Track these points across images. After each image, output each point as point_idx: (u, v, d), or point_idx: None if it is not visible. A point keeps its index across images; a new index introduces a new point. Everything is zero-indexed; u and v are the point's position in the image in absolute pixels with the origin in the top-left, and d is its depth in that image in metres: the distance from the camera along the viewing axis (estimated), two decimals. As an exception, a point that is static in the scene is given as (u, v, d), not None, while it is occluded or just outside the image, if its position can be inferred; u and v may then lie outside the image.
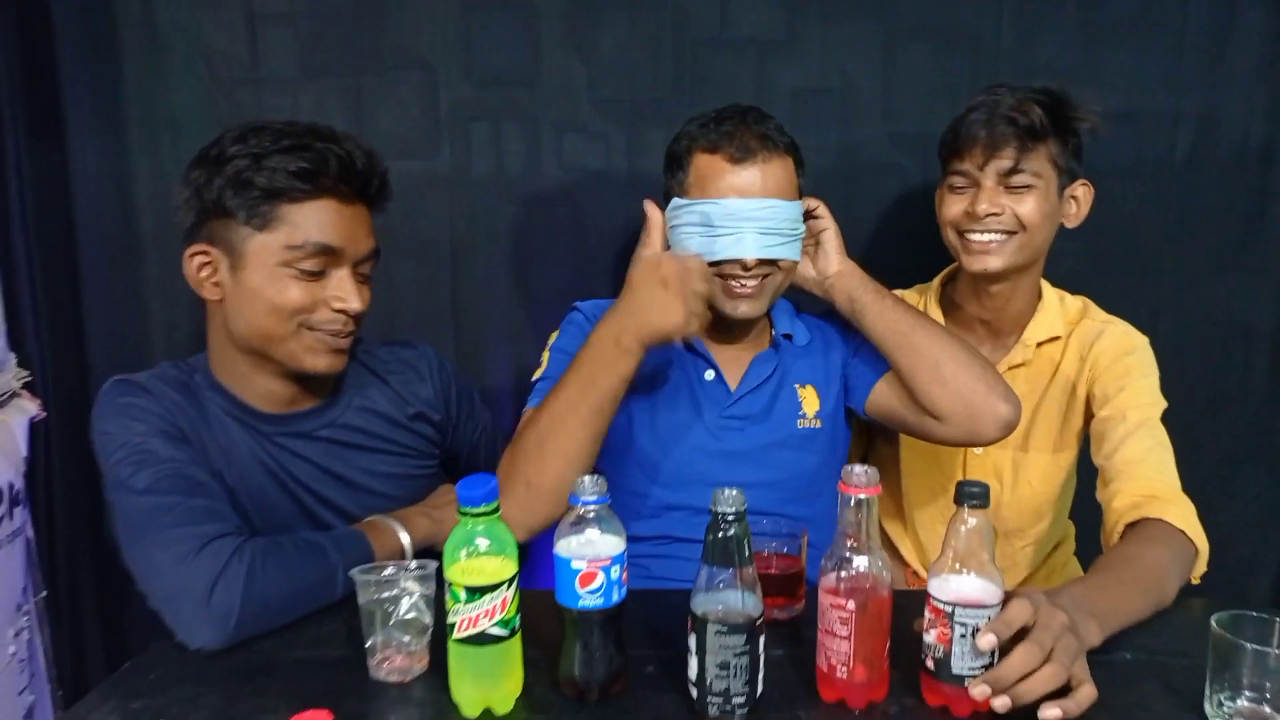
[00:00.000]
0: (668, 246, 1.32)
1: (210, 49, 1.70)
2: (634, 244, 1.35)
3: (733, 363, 1.40)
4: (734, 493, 0.86)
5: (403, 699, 0.94)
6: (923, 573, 1.57)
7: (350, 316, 1.17)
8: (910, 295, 1.56)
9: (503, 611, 0.88)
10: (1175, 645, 1.02)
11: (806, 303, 1.47)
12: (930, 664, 0.90)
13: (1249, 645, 0.85)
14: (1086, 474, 1.42)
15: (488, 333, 1.81)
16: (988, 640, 0.86)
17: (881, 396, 1.36)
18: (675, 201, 1.32)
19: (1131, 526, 1.18)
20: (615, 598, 0.90)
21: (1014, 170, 1.33)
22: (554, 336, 1.40)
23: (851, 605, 0.88)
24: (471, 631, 0.87)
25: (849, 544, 0.89)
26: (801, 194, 1.34)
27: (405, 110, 1.73)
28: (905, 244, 1.48)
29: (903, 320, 1.29)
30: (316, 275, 1.14)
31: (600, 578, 0.88)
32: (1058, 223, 1.41)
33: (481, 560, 0.87)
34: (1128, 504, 1.21)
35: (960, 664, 0.88)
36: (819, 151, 1.59)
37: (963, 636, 0.87)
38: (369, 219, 1.20)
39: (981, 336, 1.49)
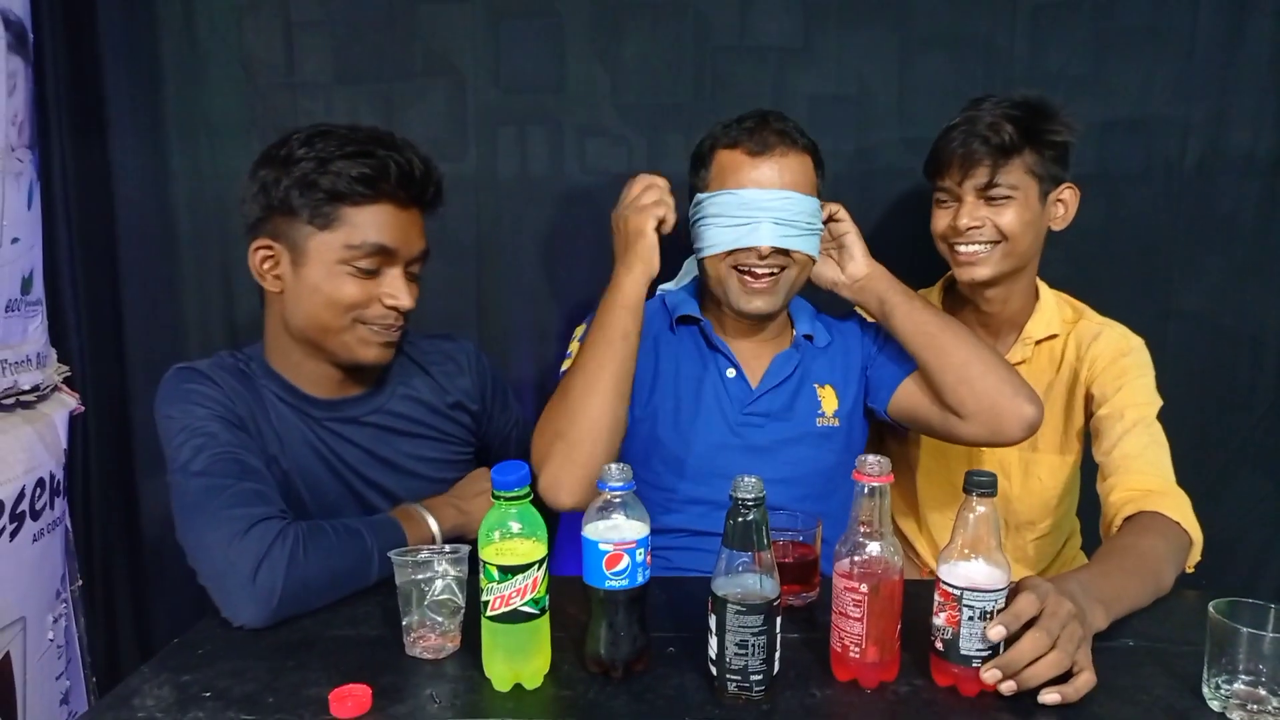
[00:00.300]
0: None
1: (248, 55, 1.76)
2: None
3: (754, 361, 1.43)
4: (753, 480, 0.90)
5: (437, 674, 0.98)
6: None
7: (400, 313, 1.23)
8: None
9: (533, 591, 0.93)
10: (1176, 634, 1.06)
11: (825, 305, 1.50)
12: (939, 645, 0.94)
13: (1245, 630, 0.88)
14: (1089, 472, 1.45)
15: (512, 330, 1.85)
16: (997, 631, 0.90)
17: (906, 397, 1.38)
18: (697, 197, 1.36)
19: (1129, 519, 1.22)
20: (639, 579, 0.95)
21: (990, 185, 1.38)
22: (580, 329, 1.44)
23: (864, 588, 0.92)
24: (504, 609, 0.93)
25: (862, 530, 0.94)
26: (821, 197, 1.37)
27: (434, 115, 1.77)
28: (919, 247, 1.51)
29: (931, 322, 1.32)
30: (371, 273, 1.20)
31: (625, 560, 0.93)
32: (1044, 227, 1.44)
33: (514, 542, 0.93)
34: (1125, 497, 1.26)
35: (968, 646, 0.92)
36: (836, 156, 1.62)
37: (970, 619, 0.91)
38: (421, 222, 1.26)
39: (982, 337, 1.52)
